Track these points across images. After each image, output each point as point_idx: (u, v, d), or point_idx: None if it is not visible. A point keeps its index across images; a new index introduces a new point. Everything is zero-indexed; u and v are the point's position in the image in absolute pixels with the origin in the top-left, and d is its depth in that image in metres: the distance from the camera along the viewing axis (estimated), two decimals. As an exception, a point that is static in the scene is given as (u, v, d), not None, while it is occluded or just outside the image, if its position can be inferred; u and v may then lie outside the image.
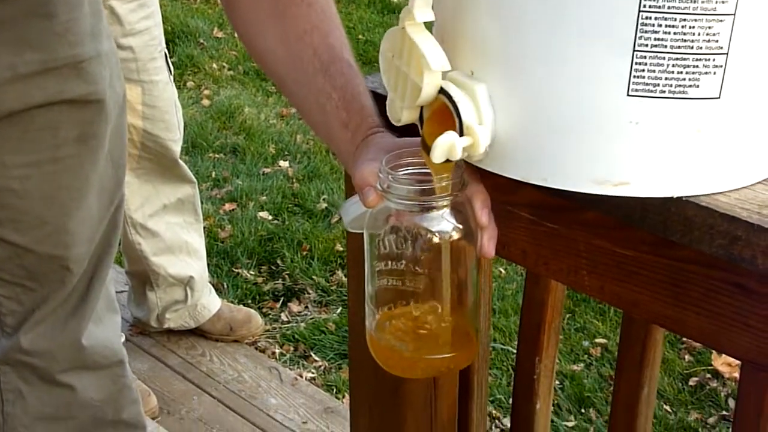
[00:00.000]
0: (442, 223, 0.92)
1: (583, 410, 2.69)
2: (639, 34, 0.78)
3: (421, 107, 0.92)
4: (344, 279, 3.20)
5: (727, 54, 0.79)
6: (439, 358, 0.97)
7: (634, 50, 0.78)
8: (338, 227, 3.47)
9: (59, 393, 1.57)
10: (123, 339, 2.62)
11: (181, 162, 2.63)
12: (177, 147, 2.58)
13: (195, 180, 2.71)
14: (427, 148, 0.89)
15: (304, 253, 3.33)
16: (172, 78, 2.53)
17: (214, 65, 4.90)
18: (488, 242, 0.94)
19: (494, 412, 2.67)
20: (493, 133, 0.87)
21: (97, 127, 1.41)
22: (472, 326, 0.98)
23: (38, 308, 1.49)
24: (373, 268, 0.96)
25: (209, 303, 2.81)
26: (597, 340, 2.94)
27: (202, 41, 5.16)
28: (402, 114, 0.92)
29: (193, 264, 2.73)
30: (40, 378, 1.55)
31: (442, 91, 0.87)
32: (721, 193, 0.85)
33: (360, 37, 5.22)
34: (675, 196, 0.84)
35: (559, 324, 1.18)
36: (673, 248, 0.90)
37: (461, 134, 0.86)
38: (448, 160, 0.88)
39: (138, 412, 1.71)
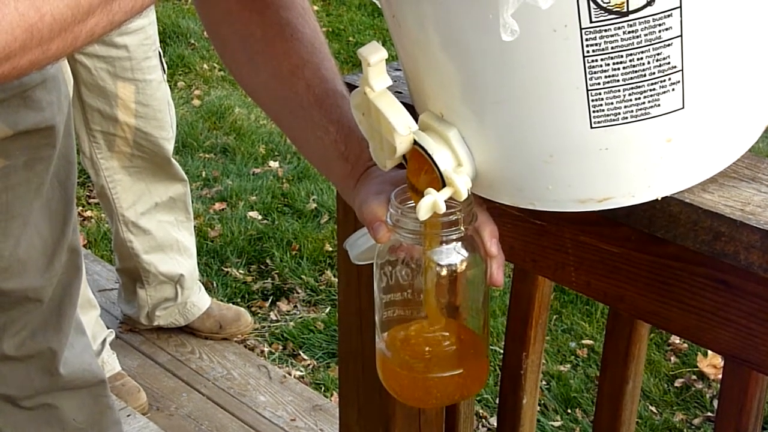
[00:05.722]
0: (452, 256, 0.93)
1: (569, 410, 2.71)
2: (589, 76, 0.77)
3: None
4: (333, 279, 3.22)
5: (682, 70, 0.78)
6: (452, 381, 0.97)
7: (587, 90, 0.78)
8: (327, 227, 3.49)
9: (37, 415, 1.53)
10: (113, 336, 2.64)
11: (173, 160, 2.64)
12: (170, 145, 2.59)
13: (186, 178, 2.72)
14: (412, 186, 0.92)
15: (294, 252, 3.35)
16: (165, 77, 2.54)
17: (205, 66, 4.90)
18: (497, 271, 0.95)
19: (481, 411, 2.69)
20: (475, 170, 0.89)
21: (44, 151, 1.38)
22: (482, 352, 0.99)
23: (2, 339, 1.44)
24: (382, 300, 0.97)
25: (199, 301, 2.83)
26: (584, 342, 2.96)
27: (193, 42, 5.16)
28: (386, 162, 0.94)
29: (184, 262, 2.74)
30: (13, 405, 1.50)
31: (416, 142, 0.88)
32: (703, 184, 0.86)
33: (350, 39, 5.23)
34: (659, 198, 0.85)
35: (546, 320, 1.20)
36: (658, 245, 0.92)
37: (443, 182, 0.88)
38: None
39: None
